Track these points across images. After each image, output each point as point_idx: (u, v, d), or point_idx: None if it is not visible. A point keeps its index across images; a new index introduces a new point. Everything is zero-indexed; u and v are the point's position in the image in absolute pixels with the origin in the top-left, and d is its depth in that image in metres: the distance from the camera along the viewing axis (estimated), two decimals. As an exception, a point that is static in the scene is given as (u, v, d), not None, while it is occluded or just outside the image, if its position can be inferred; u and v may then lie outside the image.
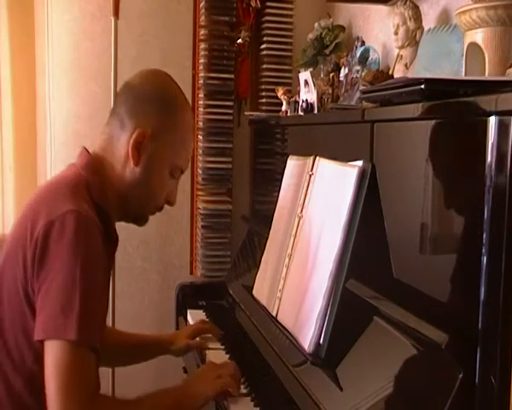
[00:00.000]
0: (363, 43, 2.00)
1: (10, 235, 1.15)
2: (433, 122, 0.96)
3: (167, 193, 1.26)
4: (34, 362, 1.06)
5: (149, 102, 1.20)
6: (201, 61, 2.37)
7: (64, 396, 0.99)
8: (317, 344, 1.22)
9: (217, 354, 1.55)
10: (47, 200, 1.11)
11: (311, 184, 1.46)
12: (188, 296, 2.03)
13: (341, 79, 1.89)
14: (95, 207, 1.13)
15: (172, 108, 1.21)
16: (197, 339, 1.59)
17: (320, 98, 1.83)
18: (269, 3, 2.39)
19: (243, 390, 1.31)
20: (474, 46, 1.22)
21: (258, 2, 2.37)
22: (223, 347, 1.58)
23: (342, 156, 1.32)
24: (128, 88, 1.24)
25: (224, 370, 1.28)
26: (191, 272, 2.52)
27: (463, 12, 1.20)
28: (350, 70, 1.86)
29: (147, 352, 1.55)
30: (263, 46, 2.42)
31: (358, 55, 1.90)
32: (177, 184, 1.28)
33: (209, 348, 1.57)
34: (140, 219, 1.29)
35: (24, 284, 1.06)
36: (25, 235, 1.06)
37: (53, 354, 1.01)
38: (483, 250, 0.81)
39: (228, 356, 1.55)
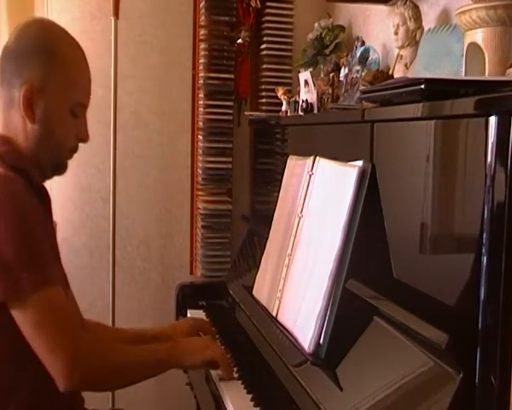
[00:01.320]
0: (363, 43, 2.00)
1: None
2: (433, 122, 0.96)
3: (77, 132, 1.23)
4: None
5: (27, 55, 1.17)
6: (201, 61, 2.37)
7: (52, 342, 1.00)
8: (317, 344, 1.22)
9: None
10: None
11: (311, 184, 1.46)
12: (188, 296, 2.03)
13: (341, 79, 1.89)
14: (13, 170, 1.13)
15: (52, 52, 1.17)
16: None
17: (320, 98, 1.83)
18: (269, 3, 2.39)
19: (235, 375, 1.37)
20: (474, 46, 1.22)
21: (258, 2, 2.37)
22: (222, 347, 1.57)
23: (342, 156, 1.32)
24: (6, 51, 1.20)
25: (215, 345, 1.35)
26: (191, 272, 2.52)
27: (463, 12, 1.20)
28: (350, 70, 1.86)
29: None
30: (263, 46, 2.42)
31: (358, 55, 1.90)
32: (84, 120, 1.25)
33: None
34: (59, 169, 1.26)
35: None
36: None
37: (23, 315, 1.01)
38: (483, 250, 0.81)
39: (228, 356, 1.55)
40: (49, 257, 1.08)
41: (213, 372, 1.39)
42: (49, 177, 1.26)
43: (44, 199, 1.25)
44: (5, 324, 1.03)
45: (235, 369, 1.44)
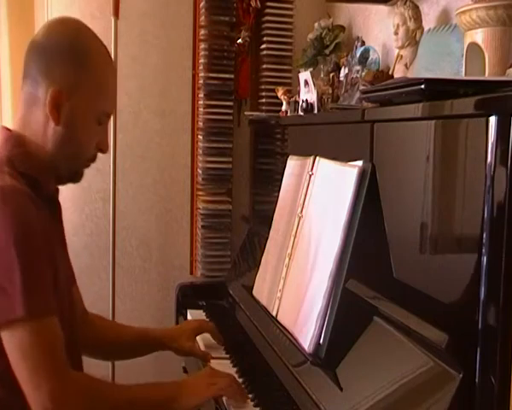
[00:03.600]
0: (363, 43, 2.00)
1: None
2: (433, 122, 0.96)
3: (97, 141, 1.20)
4: None
5: (59, 56, 1.13)
6: (201, 61, 2.37)
7: (36, 380, 0.96)
8: (317, 344, 1.22)
9: (219, 361, 1.54)
10: None
11: (311, 184, 1.46)
12: (188, 296, 2.03)
13: (341, 79, 1.89)
14: (22, 178, 1.09)
15: (84, 56, 1.14)
16: (202, 349, 1.57)
17: (320, 98, 1.83)
18: (269, 3, 2.39)
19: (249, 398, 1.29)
20: (474, 46, 1.22)
21: (258, 3, 2.37)
22: (227, 356, 1.56)
23: (342, 156, 1.32)
24: (34, 46, 1.15)
25: (220, 378, 1.25)
26: (191, 272, 2.52)
27: (463, 12, 1.20)
28: (350, 70, 1.86)
29: (147, 346, 1.52)
30: (263, 46, 2.42)
31: (358, 55, 1.90)
32: (106, 130, 1.22)
33: (213, 358, 1.52)
34: (75, 177, 1.23)
35: None
36: None
37: (11, 339, 0.98)
38: (483, 250, 0.81)
39: (228, 356, 1.55)
40: (48, 284, 1.03)
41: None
42: (64, 183, 1.23)
43: (54, 207, 1.21)
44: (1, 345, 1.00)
45: (234, 369, 1.45)
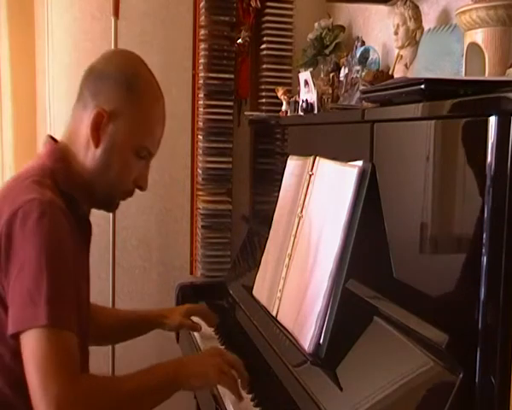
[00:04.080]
0: (363, 43, 2.00)
1: None
2: (433, 122, 0.96)
3: (136, 176, 1.22)
4: (12, 358, 1.05)
5: (109, 80, 1.17)
6: (201, 61, 2.37)
7: (45, 384, 0.96)
8: (317, 344, 1.22)
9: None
10: (10, 194, 1.09)
11: (311, 184, 1.46)
12: (188, 296, 2.03)
13: (341, 79, 1.89)
14: (61, 194, 1.11)
15: (135, 86, 1.17)
16: (192, 320, 1.60)
17: (320, 98, 1.83)
18: (269, 3, 2.38)
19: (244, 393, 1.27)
20: (474, 46, 1.22)
21: (258, 3, 2.37)
22: (222, 347, 1.57)
23: (342, 156, 1.32)
24: (90, 69, 1.20)
25: (228, 360, 1.22)
26: (191, 272, 2.52)
27: (463, 12, 1.20)
28: (350, 70, 1.86)
29: (140, 326, 1.56)
30: (263, 46, 2.42)
31: (358, 55, 1.90)
32: (147, 167, 1.24)
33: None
34: (109, 206, 1.25)
35: None
36: None
37: (28, 345, 0.98)
38: (483, 250, 0.81)
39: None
40: (72, 303, 1.04)
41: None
42: (98, 208, 1.25)
43: (85, 226, 1.22)
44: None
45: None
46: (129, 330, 1.56)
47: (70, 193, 1.15)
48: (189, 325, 1.59)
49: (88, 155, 1.17)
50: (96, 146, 1.15)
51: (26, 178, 1.12)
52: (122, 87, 1.16)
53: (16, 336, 1.00)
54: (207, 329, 1.69)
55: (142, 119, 1.18)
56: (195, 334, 1.62)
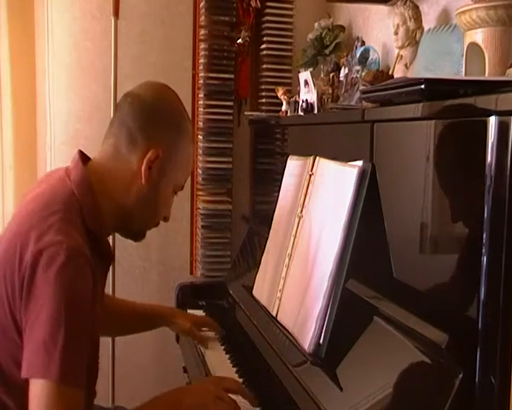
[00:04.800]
0: (363, 43, 2.00)
1: None
2: (433, 122, 0.96)
3: (166, 210, 1.27)
4: (25, 382, 1.03)
5: (162, 121, 1.19)
6: (201, 61, 2.37)
7: None
8: (317, 344, 1.22)
9: (217, 355, 1.55)
10: (38, 221, 1.06)
11: (311, 184, 1.46)
12: (188, 296, 2.03)
13: (341, 79, 1.89)
14: (87, 233, 1.10)
15: (181, 128, 1.22)
16: (202, 333, 1.62)
17: (320, 98, 1.83)
18: (269, 3, 2.38)
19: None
20: (474, 46, 1.22)
21: (258, 3, 2.37)
22: (227, 356, 1.57)
23: (342, 156, 1.32)
24: (139, 102, 1.18)
25: (226, 385, 1.23)
26: (191, 272, 2.52)
27: (463, 12, 1.20)
28: (350, 70, 1.86)
29: (149, 321, 1.58)
30: (263, 46, 2.42)
31: (358, 55, 1.90)
32: (172, 201, 1.29)
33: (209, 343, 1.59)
34: (139, 236, 1.27)
35: (12, 310, 1.03)
36: (13, 258, 1.02)
37: (36, 391, 0.98)
38: (483, 250, 0.81)
39: (228, 356, 1.55)
40: (84, 358, 1.04)
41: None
42: (124, 237, 1.27)
43: (107, 259, 1.22)
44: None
45: (234, 369, 1.45)
46: (138, 324, 1.58)
47: (95, 231, 1.13)
48: (199, 336, 1.61)
49: (132, 189, 1.17)
50: (146, 183, 1.16)
51: (53, 206, 1.08)
52: (173, 130, 1.20)
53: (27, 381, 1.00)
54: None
55: (184, 161, 1.24)
56: (202, 334, 1.62)
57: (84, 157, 1.20)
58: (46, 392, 0.97)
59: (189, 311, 1.94)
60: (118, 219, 1.19)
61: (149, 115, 1.18)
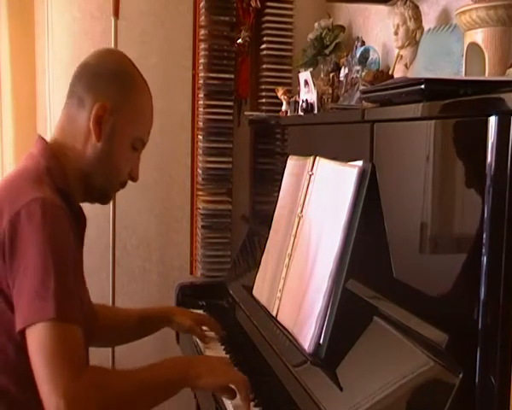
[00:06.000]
0: (363, 43, 2.00)
1: None
2: (433, 122, 0.96)
3: (130, 167, 1.26)
4: (17, 355, 1.06)
5: (106, 76, 1.21)
6: (201, 61, 2.37)
7: (53, 376, 0.97)
8: (317, 344, 1.22)
9: (217, 355, 1.55)
10: (9, 195, 1.10)
11: (311, 184, 1.46)
12: (188, 296, 2.03)
13: (341, 79, 1.89)
14: (58, 192, 1.13)
15: (129, 82, 1.23)
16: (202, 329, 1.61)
17: (320, 98, 1.83)
18: (269, 3, 2.38)
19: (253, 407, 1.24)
20: (474, 46, 1.22)
21: (258, 3, 2.37)
22: (227, 356, 1.57)
23: (342, 156, 1.32)
24: (83, 66, 1.24)
25: (234, 372, 1.22)
26: (191, 272, 2.52)
27: (463, 12, 1.20)
28: (350, 70, 1.86)
29: (149, 327, 1.57)
30: (263, 46, 2.41)
31: (358, 55, 1.90)
32: (139, 158, 1.28)
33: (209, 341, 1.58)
34: (104, 198, 1.29)
35: None
36: None
37: (36, 338, 1.00)
38: (483, 250, 0.81)
39: (228, 356, 1.55)
40: (77, 296, 1.07)
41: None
42: (92, 202, 1.28)
43: (81, 222, 1.25)
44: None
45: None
46: (138, 329, 1.55)
47: (66, 190, 1.17)
48: (199, 333, 1.60)
49: (88, 149, 1.20)
50: (98, 140, 1.19)
51: (23, 178, 1.13)
52: (118, 82, 1.21)
53: (23, 332, 1.01)
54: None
55: (137, 112, 1.24)
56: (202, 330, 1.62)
57: (43, 138, 1.24)
58: (46, 333, 0.99)
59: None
60: (81, 182, 1.21)
61: (94, 75, 1.21)
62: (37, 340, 1.00)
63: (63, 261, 1.04)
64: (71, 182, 1.19)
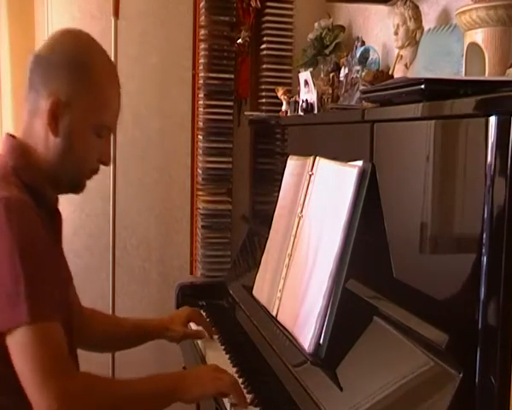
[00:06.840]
0: (363, 43, 2.00)
1: None
2: (433, 122, 0.96)
3: (99, 154, 1.20)
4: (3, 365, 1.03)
5: (59, 66, 1.14)
6: (201, 61, 2.37)
7: (40, 379, 0.97)
8: (317, 344, 1.22)
9: (217, 355, 1.55)
10: None
11: (311, 184, 1.46)
12: (188, 296, 2.03)
13: (341, 79, 1.89)
14: (26, 189, 1.11)
15: (85, 68, 1.15)
16: (194, 328, 1.62)
17: (320, 98, 1.83)
18: (269, 3, 2.39)
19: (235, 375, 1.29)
20: (474, 46, 1.22)
21: (258, 3, 2.37)
22: (227, 356, 1.57)
23: (342, 156, 1.32)
24: (34, 60, 1.16)
25: (226, 375, 1.24)
26: (191, 272, 2.52)
27: (463, 12, 1.20)
28: (350, 70, 1.86)
29: (143, 337, 1.55)
30: (263, 46, 2.42)
31: (358, 55, 1.90)
32: (108, 142, 1.23)
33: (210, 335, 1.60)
34: (77, 187, 1.23)
35: None
36: None
37: (17, 345, 0.99)
38: (483, 250, 0.81)
39: (228, 356, 1.55)
40: (52, 292, 1.05)
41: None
42: (65, 193, 1.24)
43: (55, 218, 1.22)
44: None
45: (234, 369, 1.45)
46: (129, 339, 1.55)
47: (35, 187, 1.14)
48: (193, 333, 1.60)
49: (48, 146, 1.15)
50: (56, 135, 1.14)
51: None
52: (72, 71, 1.14)
53: (3, 341, 1.00)
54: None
55: (96, 98, 1.16)
56: (195, 328, 1.63)
57: (12, 136, 1.21)
58: (23, 338, 0.98)
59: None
60: (50, 177, 1.17)
61: (45, 65, 1.15)
62: (19, 346, 0.99)
63: (33, 260, 1.02)
64: (40, 178, 1.16)
